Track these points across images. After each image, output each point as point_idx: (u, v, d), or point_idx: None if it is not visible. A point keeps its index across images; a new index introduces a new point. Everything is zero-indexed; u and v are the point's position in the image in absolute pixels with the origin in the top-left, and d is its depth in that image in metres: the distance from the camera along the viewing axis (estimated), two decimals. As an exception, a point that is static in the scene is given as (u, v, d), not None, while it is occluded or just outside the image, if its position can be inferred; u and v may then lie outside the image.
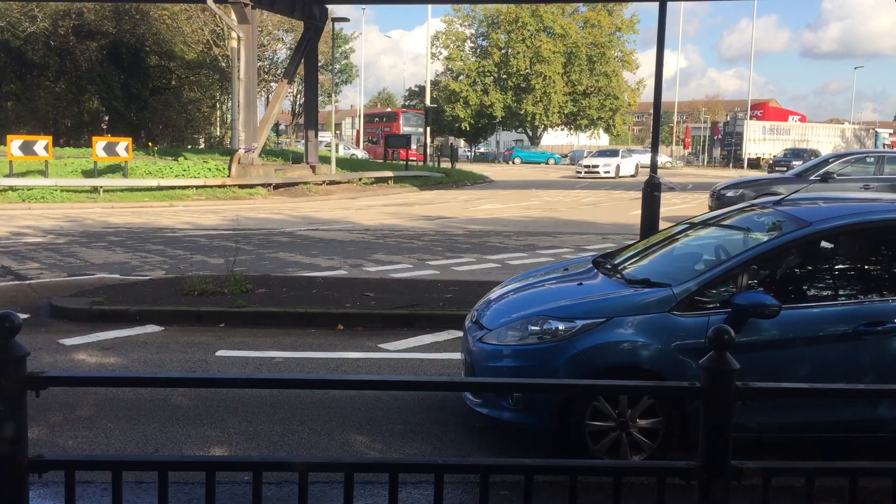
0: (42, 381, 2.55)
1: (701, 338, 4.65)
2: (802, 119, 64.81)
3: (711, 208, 18.51)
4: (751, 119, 60.03)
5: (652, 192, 11.63)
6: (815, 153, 42.19)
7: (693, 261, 5.55)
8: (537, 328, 4.94)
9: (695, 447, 4.55)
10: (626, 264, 5.77)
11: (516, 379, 4.74)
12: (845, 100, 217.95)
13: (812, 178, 17.28)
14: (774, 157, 48.03)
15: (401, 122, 61.23)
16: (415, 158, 45.67)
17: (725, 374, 2.58)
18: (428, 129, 48.57)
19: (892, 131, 74.71)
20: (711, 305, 4.78)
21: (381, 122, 62.70)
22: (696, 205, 21.54)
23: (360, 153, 57.37)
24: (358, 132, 65.68)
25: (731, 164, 57.47)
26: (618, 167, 42.70)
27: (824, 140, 57.25)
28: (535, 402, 4.84)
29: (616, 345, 4.74)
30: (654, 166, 12.48)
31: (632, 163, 44.81)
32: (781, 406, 4.69)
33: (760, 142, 56.25)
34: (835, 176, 17.17)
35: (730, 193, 18.05)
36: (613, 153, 46.16)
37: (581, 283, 5.61)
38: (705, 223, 6.16)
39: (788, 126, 60.09)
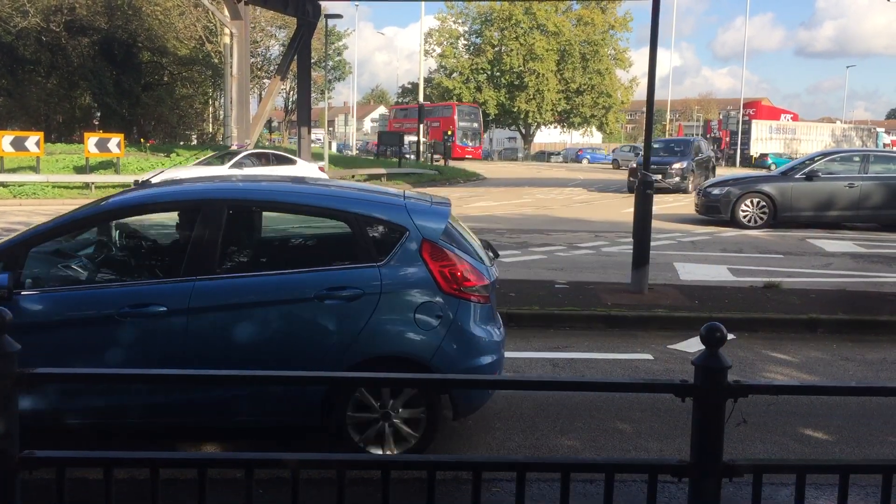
0: (34, 378, 2.54)
1: None
2: (794, 118, 65.03)
3: (697, 206, 18.72)
4: (743, 117, 60.24)
5: (644, 189, 11.63)
6: (693, 144, 31.04)
7: None
8: None
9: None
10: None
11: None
12: (838, 99, 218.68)
13: (797, 176, 17.53)
14: (638, 156, 32.47)
15: (455, 116, 59.47)
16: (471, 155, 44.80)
17: (718, 371, 2.58)
18: (421, 126, 48.55)
19: (883, 130, 75.06)
20: None
21: (430, 116, 58.77)
22: (688, 202, 21.57)
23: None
24: (391, 123, 63.64)
25: (737, 163, 57.57)
26: None
27: (828, 140, 57.78)
28: None
29: None
30: (646, 163, 12.49)
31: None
32: (85, 392, 4.68)
33: (767, 141, 56.64)
34: (820, 174, 17.36)
35: (715, 191, 18.32)
36: (232, 157, 21.28)
37: None
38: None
39: (794, 126, 60.58)
